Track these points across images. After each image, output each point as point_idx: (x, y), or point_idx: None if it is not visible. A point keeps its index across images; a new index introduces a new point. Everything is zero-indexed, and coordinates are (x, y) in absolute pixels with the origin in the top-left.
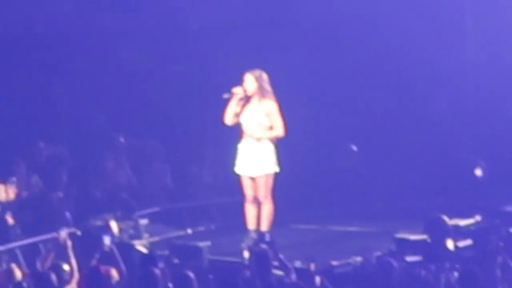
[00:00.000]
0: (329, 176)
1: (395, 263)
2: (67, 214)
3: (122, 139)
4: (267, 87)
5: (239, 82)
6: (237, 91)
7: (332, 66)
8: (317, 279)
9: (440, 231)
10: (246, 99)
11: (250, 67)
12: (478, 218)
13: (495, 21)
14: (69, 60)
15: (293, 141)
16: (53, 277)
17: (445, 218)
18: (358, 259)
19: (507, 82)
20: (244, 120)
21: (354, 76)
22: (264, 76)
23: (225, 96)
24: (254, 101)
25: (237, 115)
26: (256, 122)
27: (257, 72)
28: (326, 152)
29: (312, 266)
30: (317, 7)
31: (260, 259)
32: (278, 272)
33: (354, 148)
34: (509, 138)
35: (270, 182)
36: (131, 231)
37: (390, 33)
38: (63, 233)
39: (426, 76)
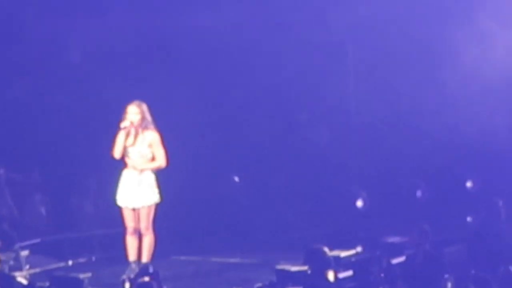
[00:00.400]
0: (210, 207)
1: None
2: None
3: (2, 170)
4: (149, 117)
5: (119, 112)
6: (125, 124)
7: (213, 96)
8: None
9: (321, 262)
10: (130, 130)
11: (130, 97)
12: (359, 249)
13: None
14: None
15: (174, 172)
16: None
17: (326, 249)
18: None
19: (394, 113)
20: (126, 152)
21: (235, 106)
22: (145, 106)
23: (119, 127)
24: (137, 132)
25: (125, 148)
26: (139, 153)
27: (139, 103)
28: (208, 183)
29: None
30: (196, 38)
31: None
32: None
33: (236, 178)
34: (390, 170)
35: (152, 213)
36: (12, 263)
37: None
38: None
39: (308, 105)
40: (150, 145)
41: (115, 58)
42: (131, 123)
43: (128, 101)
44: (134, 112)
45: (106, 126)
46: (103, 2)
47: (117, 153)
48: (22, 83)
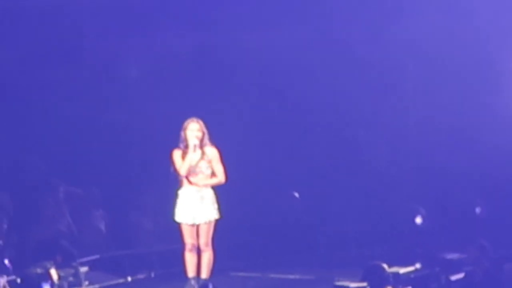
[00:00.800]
0: (269, 223)
1: None
2: (6, 261)
3: (62, 187)
4: (207, 133)
5: (178, 127)
6: (195, 142)
7: (273, 112)
8: None
9: (380, 279)
10: (187, 146)
11: (188, 113)
12: (418, 265)
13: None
14: (6, 108)
15: (234, 188)
16: None
17: (385, 265)
18: None
19: (449, 133)
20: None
21: (295, 122)
22: (202, 123)
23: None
24: (199, 149)
25: (191, 166)
26: (199, 169)
27: (197, 120)
28: (267, 199)
29: None
30: (253, 54)
31: None
32: None
33: (296, 194)
34: (448, 186)
35: (211, 229)
36: (71, 279)
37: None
38: (2, 280)
39: (368, 124)
40: (209, 161)
41: (173, 75)
42: (196, 138)
43: (185, 117)
44: (196, 129)
45: (164, 142)
46: (158, 19)
47: (184, 171)
48: (82, 99)
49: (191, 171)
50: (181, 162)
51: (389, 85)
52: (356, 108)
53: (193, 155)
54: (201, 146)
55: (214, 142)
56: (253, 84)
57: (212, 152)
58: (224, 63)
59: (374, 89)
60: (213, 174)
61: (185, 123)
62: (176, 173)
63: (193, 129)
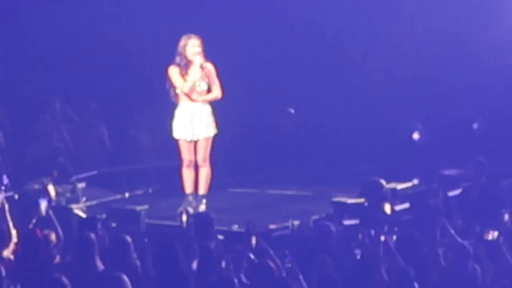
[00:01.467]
0: (266, 139)
1: (332, 227)
2: (4, 178)
3: (59, 103)
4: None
5: (174, 45)
6: (199, 60)
7: (268, 27)
8: (254, 241)
9: (378, 195)
10: (188, 63)
11: (182, 31)
12: (415, 181)
13: None
14: (5, 23)
15: (230, 104)
16: None
17: (382, 181)
18: (296, 222)
19: (447, 49)
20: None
21: (291, 37)
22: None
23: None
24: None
25: (193, 81)
26: (197, 85)
27: (196, 36)
28: (264, 116)
29: (250, 229)
30: None
31: (199, 223)
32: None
33: (292, 110)
34: (446, 101)
35: (209, 145)
36: (69, 195)
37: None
38: (0, 197)
39: (364, 39)
40: (207, 77)
41: None
42: (195, 54)
43: (181, 33)
44: (197, 45)
45: (162, 58)
46: None
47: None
48: (80, 14)
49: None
50: (181, 80)
51: None
52: (352, 22)
53: (195, 72)
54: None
55: (211, 58)
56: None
57: (209, 68)
58: None
59: (371, 1)
60: (209, 90)
61: (184, 39)
62: (172, 90)
63: (194, 45)
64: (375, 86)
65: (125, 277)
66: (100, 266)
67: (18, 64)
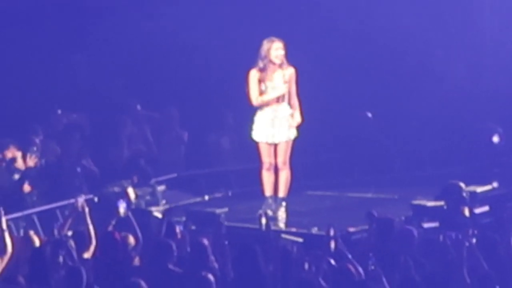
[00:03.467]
0: (346, 142)
1: (412, 229)
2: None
3: (139, 106)
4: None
5: (253, 48)
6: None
7: (348, 33)
8: (334, 245)
9: (457, 198)
10: (271, 68)
11: (263, 33)
12: (495, 184)
13: None
14: (87, 28)
15: (310, 107)
16: (71, 243)
17: (462, 184)
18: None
19: None
20: (266, 87)
21: (369, 43)
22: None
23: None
24: (277, 68)
25: (262, 92)
26: (279, 89)
27: (279, 39)
28: (343, 119)
29: (330, 232)
30: None
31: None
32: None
33: (369, 114)
34: None
35: (289, 148)
36: (148, 198)
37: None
38: (81, 200)
39: (445, 42)
40: (287, 81)
41: None
42: (278, 57)
43: (261, 37)
44: (281, 48)
45: (242, 61)
46: None
47: (258, 102)
48: (160, 19)
49: (271, 88)
50: (257, 90)
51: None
52: (432, 27)
53: (276, 78)
54: (281, 65)
55: (292, 61)
56: (328, 4)
57: (291, 72)
58: None
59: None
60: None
61: (267, 43)
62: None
63: (278, 48)
64: (455, 89)
65: (210, 276)
66: (177, 269)
67: (99, 68)
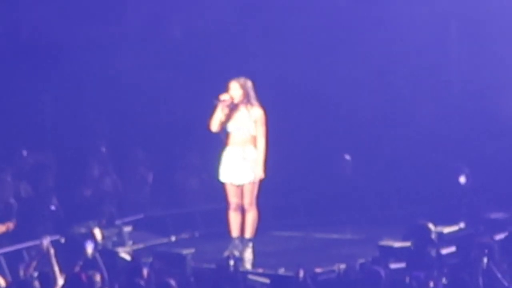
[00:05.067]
0: (312, 184)
1: (379, 270)
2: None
3: (104, 147)
4: (252, 94)
5: (224, 89)
6: (224, 97)
7: (321, 73)
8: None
9: (425, 238)
10: (233, 106)
11: (234, 73)
12: (462, 225)
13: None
14: (53, 67)
15: (276, 148)
16: (36, 284)
17: (431, 225)
18: (342, 266)
19: (493, 90)
20: (231, 128)
21: (340, 84)
22: (249, 83)
23: (217, 100)
24: (242, 108)
25: (222, 122)
26: (245, 130)
27: (242, 79)
28: (310, 160)
29: (297, 273)
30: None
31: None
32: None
33: (347, 157)
34: (493, 146)
35: (255, 189)
36: (115, 238)
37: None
38: (45, 241)
39: (412, 84)
40: (255, 121)
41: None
42: (231, 98)
43: (231, 77)
44: (235, 88)
45: (209, 102)
46: None
47: (214, 126)
48: (126, 59)
49: (222, 128)
50: (217, 117)
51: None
52: (400, 69)
53: (227, 112)
54: (246, 105)
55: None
56: (305, 46)
57: (258, 113)
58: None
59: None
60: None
61: (230, 82)
62: (220, 134)
63: (232, 88)
64: (422, 130)
65: None
66: None
67: (64, 108)
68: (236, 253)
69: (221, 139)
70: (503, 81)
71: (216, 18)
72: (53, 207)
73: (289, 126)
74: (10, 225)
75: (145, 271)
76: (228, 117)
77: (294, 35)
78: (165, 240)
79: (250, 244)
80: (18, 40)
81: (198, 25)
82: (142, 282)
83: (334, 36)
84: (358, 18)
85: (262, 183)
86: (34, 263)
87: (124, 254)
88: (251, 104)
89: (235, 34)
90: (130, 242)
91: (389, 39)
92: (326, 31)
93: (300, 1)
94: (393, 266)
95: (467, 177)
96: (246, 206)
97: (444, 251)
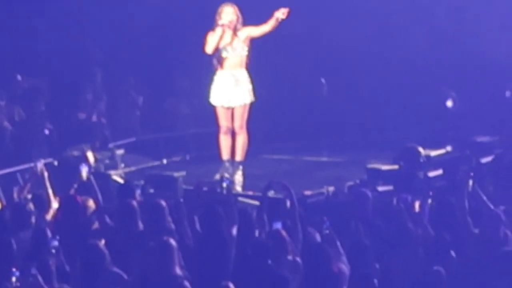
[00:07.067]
0: (302, 106)
1: (367, 192)
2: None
3: (98, 71)
4: (241, 19)
5: (215, 12)
6: (224, 22)
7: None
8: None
9: (413, 162)
10: (228, 30)
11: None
12: (448, 148)
13: None
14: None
15: (265, 73)
16: (30, 206)
17: (420, 148)
18: (331, 188)
19: (481, 18)
20: (225, 51)
21: (329, 8)
22: (237, 8)
23: (217, 24)
24: (236, 32)
25: (218, 45)
26: (235, 52)
27: (234, 4)
28: (299, 84)
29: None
30: None
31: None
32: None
33: (323, 80)
34: (479, 69)
35: (246, 112)
36: (107, 161)
37: None
38: (39, 164)
39: (400, 8)
40: (245, 40)
41: None
42: (229, 22)
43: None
44: (230, 12)
45: (201, 26)
46: None
47: (209, 48)
48: None
49: (220, 53)
50: (210, 41)
51: None
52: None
53: (220, 36)
54: (235, 29)
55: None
56: None
57: (245, 32)
58: None
59: None
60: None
61: (220, 7)
62: (214, 58)
63: (228, 12)
64: (410, 53)
65: (170, 240)
66: (140, 227)
67: (59, 33)
68: (227, 175)
69: (212, 62)
70: (491, 7)
71: None
72: (47, 131)
73: (276, 50)
74: None
75: (137, 194)
76: (223, 41)
77: None
78: (156, 163)
79: (241, 167)
80: None
81: None
82: (134, 205)
83: None
84: None
85: (252, 106)
86: (28, 186)
87: (116, 176)
88: (240, 29)
89: None
90: (122, 165)
91: None
92: None
93: None
94: (380, 188)
95: (454, 101)
96: (237, 129)
97: (431, 174)
